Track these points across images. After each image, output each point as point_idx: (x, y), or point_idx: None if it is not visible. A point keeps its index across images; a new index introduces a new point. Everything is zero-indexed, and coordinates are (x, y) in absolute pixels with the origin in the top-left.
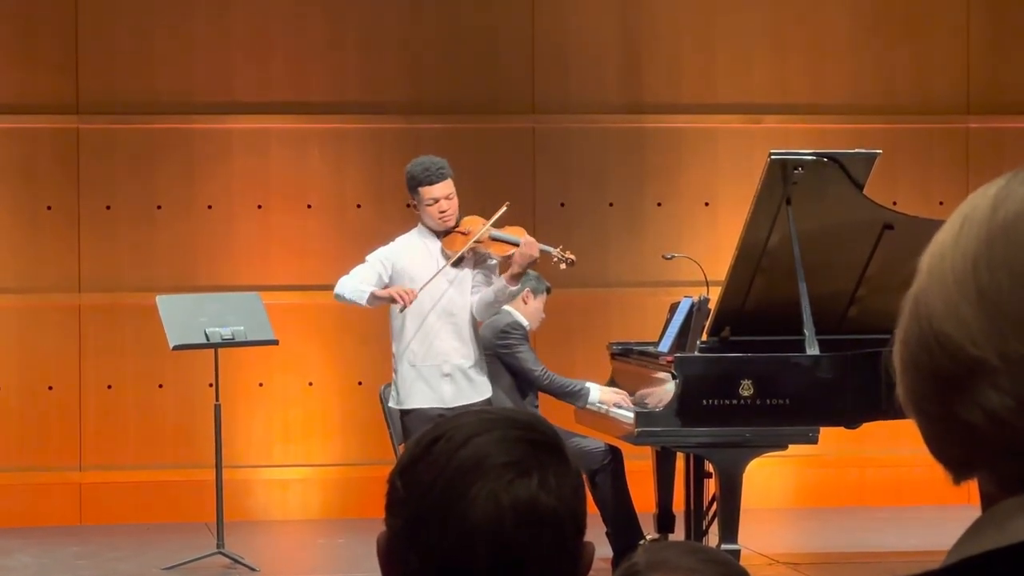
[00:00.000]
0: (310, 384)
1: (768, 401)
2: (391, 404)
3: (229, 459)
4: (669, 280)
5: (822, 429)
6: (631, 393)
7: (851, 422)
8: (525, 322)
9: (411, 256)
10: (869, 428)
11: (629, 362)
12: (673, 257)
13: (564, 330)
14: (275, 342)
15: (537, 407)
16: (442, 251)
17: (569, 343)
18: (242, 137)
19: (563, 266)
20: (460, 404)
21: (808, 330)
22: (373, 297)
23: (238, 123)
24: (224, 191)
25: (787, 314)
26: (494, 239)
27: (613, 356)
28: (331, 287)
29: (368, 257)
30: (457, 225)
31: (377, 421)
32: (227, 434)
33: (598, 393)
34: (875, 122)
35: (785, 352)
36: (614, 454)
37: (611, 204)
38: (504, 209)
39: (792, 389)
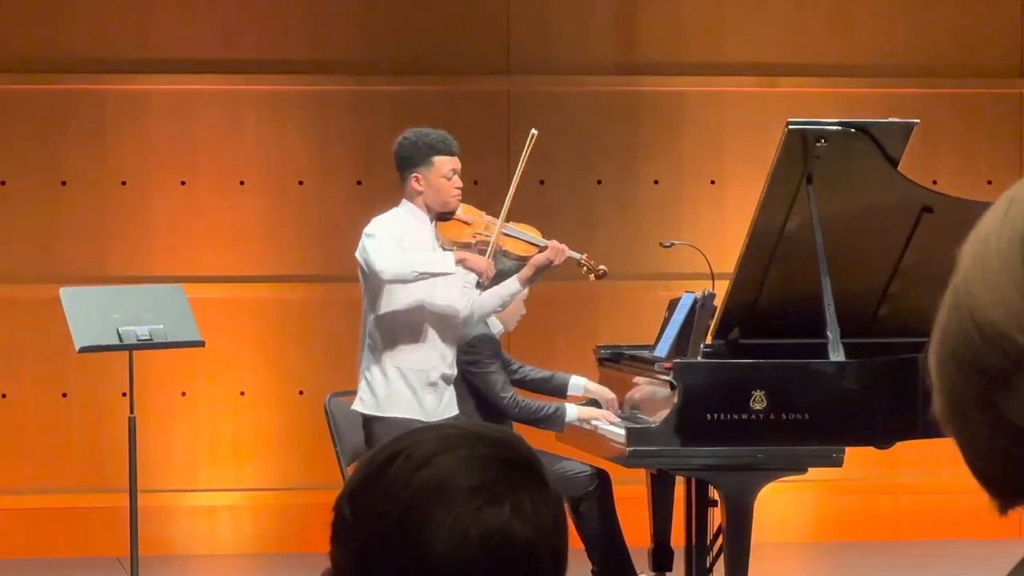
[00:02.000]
0: (242, 394)
1: (784, 416)
2: (360, 409)
3: (146, 482)
4: (667, 272)
5: (848, 449)
6: (621, 402)
7: (882, 441)
8: (498, 329)
9: (414, 242)
10: (903, 449)
11: (620, 369)
12: (672, 245)
13: (543, 331)
14: (201, 343)
15: (510, 426)
16: (438, 239)
17: (549, 346)
18: (163, 100)
19: (592, 277)
20: (439, 419)
21: (832, 332)
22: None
23: (157, 83)
24: (141, 164)
25: (807, 313)
26: (508, 235)
27: (601, 362)
28: (267, 278)
29: (381, 238)
30: (454, 212)
31: (321, 438)
32: (143, 453)
33: (575, 412)
34: (911, 86)
35: (804, 358)
36: (601, 478)
37: (599, 182)
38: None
39: (813, 402)
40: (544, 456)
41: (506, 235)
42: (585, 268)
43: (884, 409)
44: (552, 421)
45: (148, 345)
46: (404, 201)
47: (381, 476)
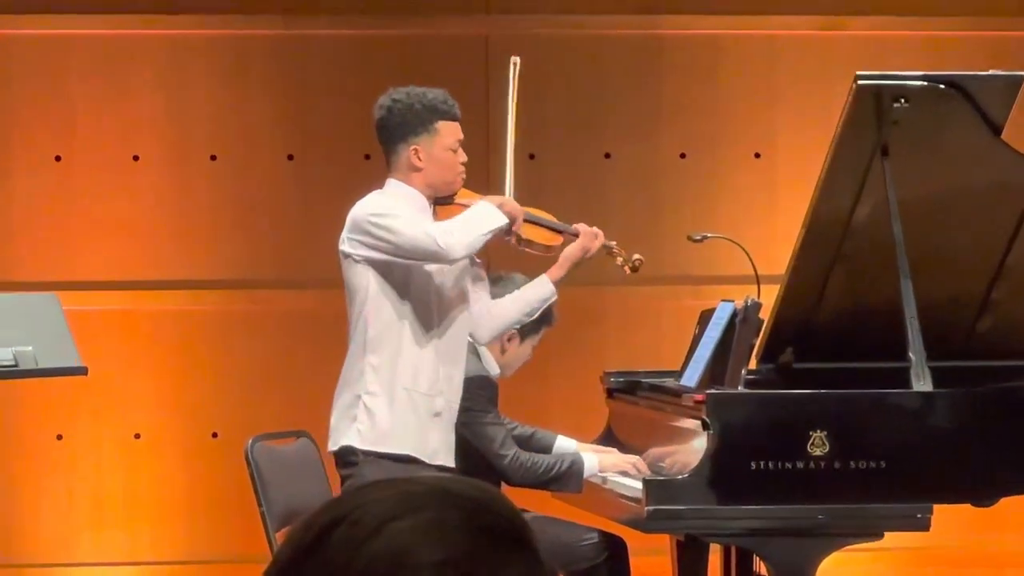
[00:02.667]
0: (137, 437)
1: (853, 464)
2: (356, 443)
3: (11, 552)
4: (699, 275)
5: (937, 508)
6: (641, 451)
7: (983, 496)
8: (495, 371)
9: None
10: (1011, 507)
11: (636, 403)
12: (704, 239)
13: (536, 354)
14: (83, 371)
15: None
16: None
17: (543, 374)
18: (31, 49)
19: (627, 270)
20: (436, 464)
21: (915, 354)
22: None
23: (19, 26)
24: (2, 134)
25: (882, 328)
26: (529, 221)
27: (611, 393)
28: (170, 284)
29: (402, 215)
30: (455, 194)
31: (241, 495)
32: (6, 514)
33: (595, 462)
34: (1018, 28)
35: (879, 387)
36: (612, 547)
37: (607, 155)
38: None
39: (890, 445)
40: (535, 520)
41: (526, 221)
42: (620, 259)
43: (985, 454)
44: (567, 479)
45: (12, 373)
46: (393, 181)
47: (319, 548)
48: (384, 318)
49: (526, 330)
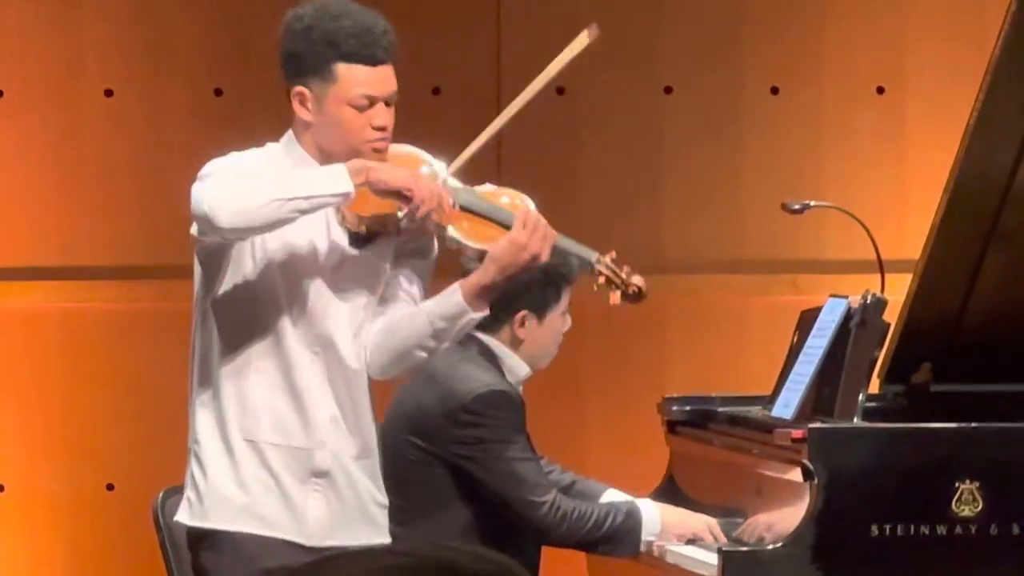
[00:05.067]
0: (1, 489)
1: (1017, 529)
2: (181, 518)
3: None
4: (797, 259)
5: None
6: (714, 509)
7: None
8: (523, 372)
9: None
10: None
11: (709, 440)
12: (806, 208)
13: (566, 374)
14: None
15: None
16: (338, 208)
17: (578, 399)
18: None
19: (615, 297)
20: (335, 544)
21: None
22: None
23: None
24: None
25: None
26: (465, 208)
27: (673, 427)
28: (46, 272)
29: (218, 167)
30: None
31: (147, 564)
32: None
33: (658, 515)
34: None
35: None
36: None
37: (668, 89)
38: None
39: None
40: None
41: (460, 209)
42: (604, 278)
43: None
44: (623, 538)
45: None
46: (288, 135)
47: None
48: (210, 332)
49: (536, 302)
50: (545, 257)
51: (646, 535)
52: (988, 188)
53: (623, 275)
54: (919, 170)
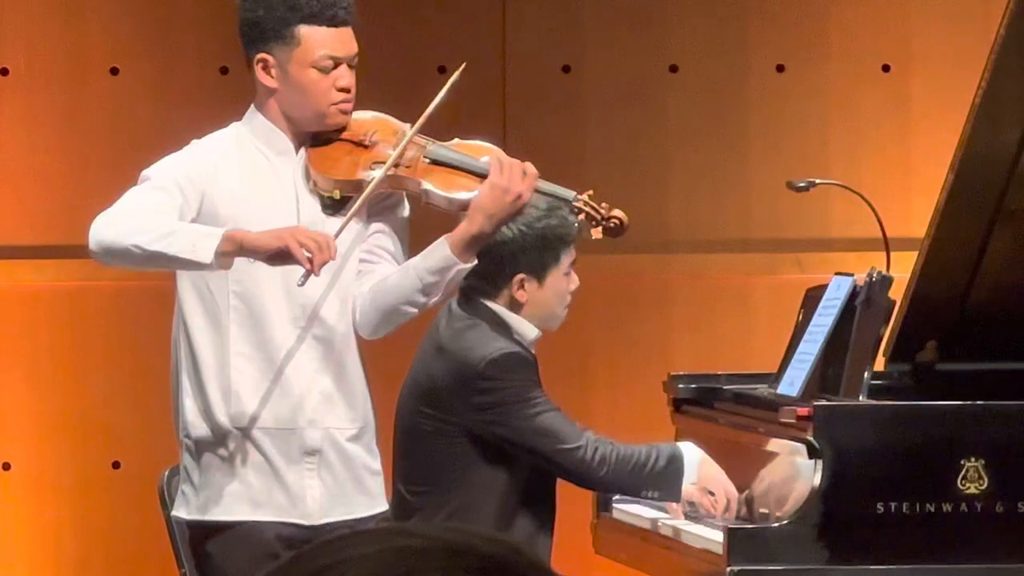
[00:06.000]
0: (6, 468)
1: (1021, 505)
2: (179, 513)
3: None
4: (802, 237)
5: None
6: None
7: None
8: (532, 335)
9: (241, 179)
10: None
11: (714, 418)
12: (811, 186)
13: (572, 352)
14: None
15: (545, 534)
16: (309, 176)
17: (583, 377)
18: None
19: (596, 232)
20: (333, 520)
21: None
22: (199, 244)
23: None
24: None
25: None
26: (435, 162)
27: (679, 405)
28: (52, 251)
29: (154, 175)
30: (345, 127)
31: (153, 543)
32: None
33: (696, 461)
34: None
35: None
36: None
37: (673, 68)
38: (453, 80)
39: None
40: None
41: (431, 162)
42: (584, 215)
43: None
44: (668, 479)
45: None
46: (251, 109)
47: None
48: (187, 317)
49: (534, 264)
50: (528, 197)
51: (689, 477)
52: (993, 166)
53: (602, 210)
54: (925, 148)
